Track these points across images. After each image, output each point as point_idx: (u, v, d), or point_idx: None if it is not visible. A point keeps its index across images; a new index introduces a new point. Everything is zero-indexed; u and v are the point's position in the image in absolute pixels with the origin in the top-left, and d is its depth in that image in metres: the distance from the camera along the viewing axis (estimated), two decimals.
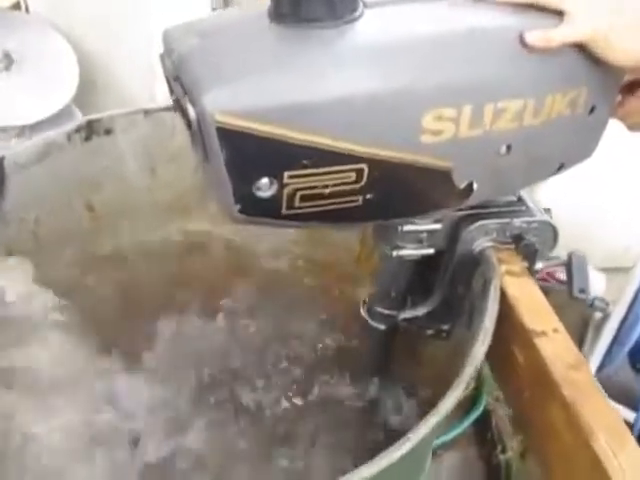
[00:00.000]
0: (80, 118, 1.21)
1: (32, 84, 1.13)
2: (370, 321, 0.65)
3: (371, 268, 0.82)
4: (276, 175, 0.38)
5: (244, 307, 0.85)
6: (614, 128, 0.56)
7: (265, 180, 0.38)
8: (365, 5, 0.39)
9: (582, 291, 0.58)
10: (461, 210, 0.53)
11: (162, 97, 1.19)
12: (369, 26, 0.39)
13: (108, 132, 0.73)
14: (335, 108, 0.37)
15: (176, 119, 0.76)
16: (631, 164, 1.14)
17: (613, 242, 1.22)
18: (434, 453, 1.07)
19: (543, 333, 0.49)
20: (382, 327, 0.65)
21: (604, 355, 1.14)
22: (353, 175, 0.40)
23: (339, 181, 0.40)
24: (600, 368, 1.13)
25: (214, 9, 1.31)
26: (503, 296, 0.54)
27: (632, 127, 0.55)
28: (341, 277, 0.85)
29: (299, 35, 0.38)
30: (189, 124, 0.38)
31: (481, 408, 1.15)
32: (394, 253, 0.56)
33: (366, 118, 0.38)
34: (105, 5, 1.18)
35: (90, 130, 0.71)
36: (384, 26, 0.39)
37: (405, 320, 0.63)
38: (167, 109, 0.76)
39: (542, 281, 0.86)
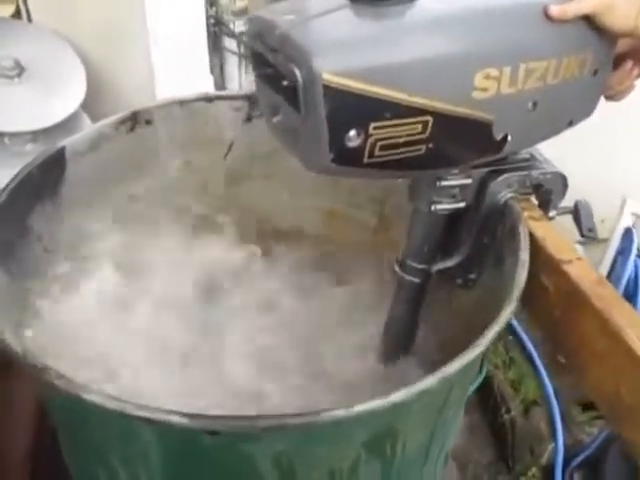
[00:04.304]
0: (88, 122, 1.26)
1: (43, 91, 1.17)
2: (405, 276, 0.73)
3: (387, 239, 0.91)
4: (363, 126, 0.45)
5: None
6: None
7: (354, 132, 0.45)
8: None
9: (590, 230, 0.68)
10: (489, 165, 0.62)
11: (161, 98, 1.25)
12: (429, 2, 0.47)
13: (148, 122, 0.79)
14: (408, 68, 0.45)
15: (209, 109, 0.83)
16: (607, 144, 1.26)
17: None
18: None
19: (569, 261, 0.58)
20: (417, 280, 0.73)
21: None
22: (420, 126, 0.48)
23: (409, 132, 0.48)
24: None
25: (209, 17, 1.38)
26: (530, 236, 0.63)
27: (609, 97, 0.64)
28: None
29: (374, 12, 0.46)
30: (285, 89, 0.45)
31: (483, 375, 1.24)
32: (432, 207, 0.64)
33: (432, 76, 0.46)
34: (105, 15, 1.24)
35: (134, 121, 0.77)
36: (441, 2, 0.48)
37: (438, 272, 0.71)
38: (198, 100, 0.83)
39: None
